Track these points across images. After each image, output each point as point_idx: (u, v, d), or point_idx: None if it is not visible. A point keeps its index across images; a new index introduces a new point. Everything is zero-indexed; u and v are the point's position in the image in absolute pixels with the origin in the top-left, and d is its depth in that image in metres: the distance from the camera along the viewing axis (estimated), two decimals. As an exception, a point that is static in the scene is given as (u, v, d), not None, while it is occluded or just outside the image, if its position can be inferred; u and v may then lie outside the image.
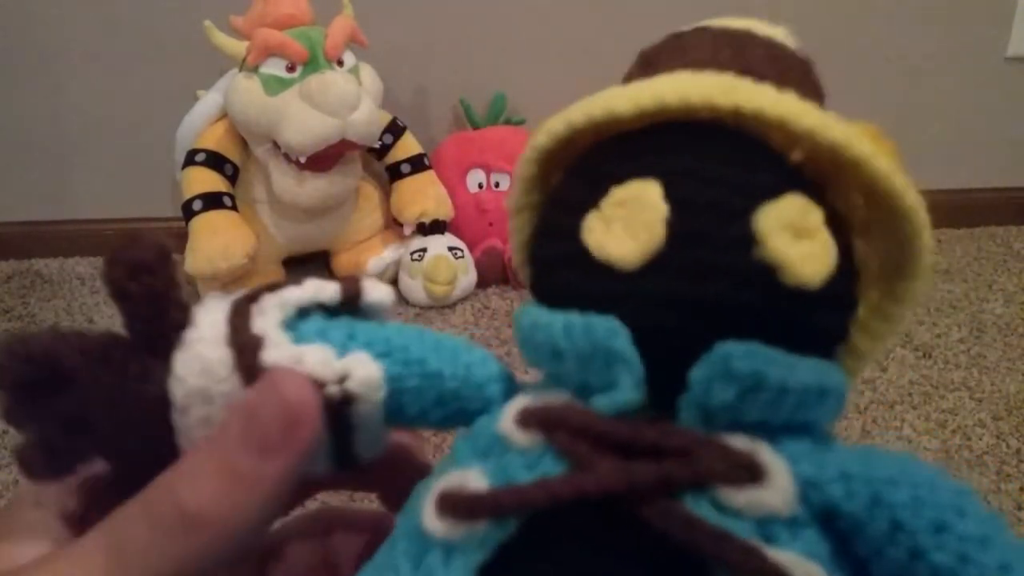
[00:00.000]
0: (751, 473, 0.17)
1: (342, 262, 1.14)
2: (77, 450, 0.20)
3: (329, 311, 0.22)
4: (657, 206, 0.19)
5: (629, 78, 0.23)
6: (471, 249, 1.13)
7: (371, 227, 1.15)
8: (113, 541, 0.18)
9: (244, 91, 0.98)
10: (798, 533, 0.17)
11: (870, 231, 0.20)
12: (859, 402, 0.91)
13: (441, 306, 1.09)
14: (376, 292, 0.22)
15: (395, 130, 1.13)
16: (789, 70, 0.22)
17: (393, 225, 1.17)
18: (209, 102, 1.04)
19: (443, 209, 1.11)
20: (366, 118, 0.97)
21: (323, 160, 1.00)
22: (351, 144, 0.99)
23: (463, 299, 1.11)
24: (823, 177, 0.20)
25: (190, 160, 1.02)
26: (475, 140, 1.16)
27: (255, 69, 0.98)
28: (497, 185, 1.15)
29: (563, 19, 1.17)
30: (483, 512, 0.18)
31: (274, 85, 0.97)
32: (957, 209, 1.30)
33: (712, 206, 0.18)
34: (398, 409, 0.21)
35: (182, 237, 1.01)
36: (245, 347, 0.20)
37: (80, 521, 0.20)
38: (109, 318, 1.07)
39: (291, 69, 0.98)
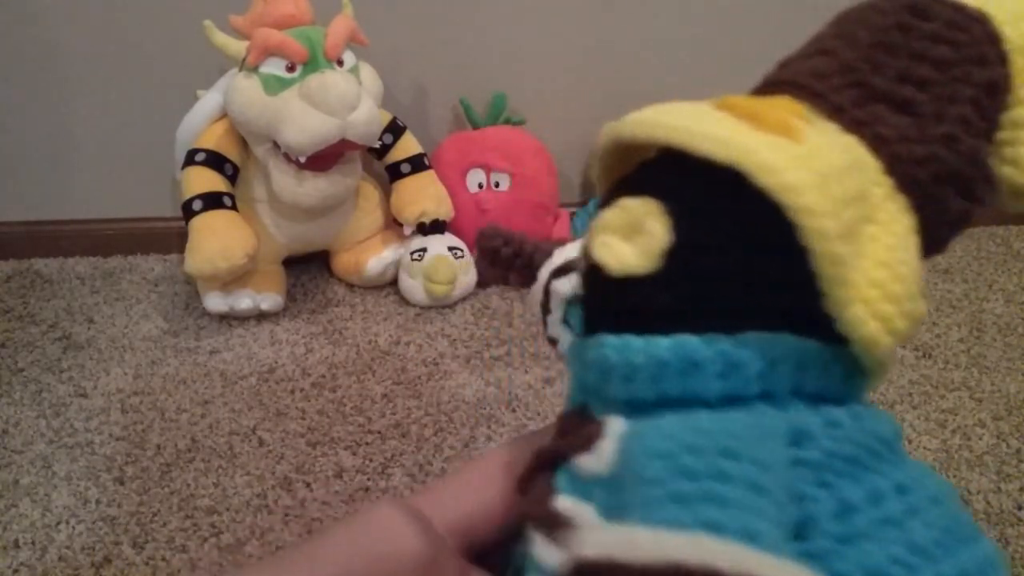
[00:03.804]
0: (587, 444, 0.19)
1: (342, 262, 1.14)
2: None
3: None
4: None
5: None
6: (471, 249, 1.13)
7: (371, 227, 1.15)
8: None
9: (244, 91, 0.98)
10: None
11: None
12: (859, 402, 0.91)
13: (441, 306, 1.09)
14: None
15: (395, 130, 1.13)
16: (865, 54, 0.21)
17: (393, 225, 1.17)
18: (209, 102, 1.04)
19: (443, 209, 1.11)
20: (366, 118, 0.97)
21: (323, 160, 1.00)
22: (351, 144, 0.99)
23: (463, 299, 1.11)
24: None
25: (190, 160, 1.02)
26: (475, 140, 1.16)
27: (255, 69, 0.98)
28: (497, 185, 1.15)
29: (563, 20, 1.17)
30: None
31: (274, 85, 0.97)
32: (957, 209, 1.30)
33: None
34: None
35: (182, 237, 1.01)
36: None
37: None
38: (109, 318, 1.07)
39: (291, 69, 0.98)
